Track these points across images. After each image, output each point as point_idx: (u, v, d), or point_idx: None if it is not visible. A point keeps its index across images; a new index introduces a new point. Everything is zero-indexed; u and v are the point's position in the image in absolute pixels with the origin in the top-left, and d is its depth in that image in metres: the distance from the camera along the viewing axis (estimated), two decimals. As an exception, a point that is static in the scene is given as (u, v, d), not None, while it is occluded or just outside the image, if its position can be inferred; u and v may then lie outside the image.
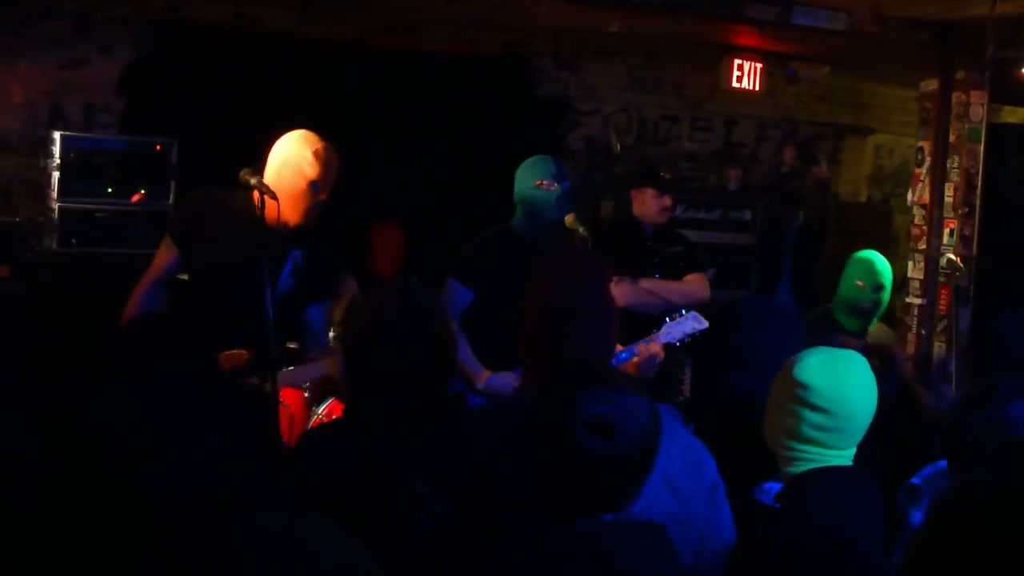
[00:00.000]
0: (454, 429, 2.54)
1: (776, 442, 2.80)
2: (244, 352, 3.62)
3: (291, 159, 3.92)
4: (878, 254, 5.25)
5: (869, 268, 5.01)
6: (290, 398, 5.25)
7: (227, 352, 3.56)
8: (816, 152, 8.05)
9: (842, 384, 2.71)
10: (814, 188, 7.80)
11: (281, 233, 3.90)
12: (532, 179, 4.50)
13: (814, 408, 2.71)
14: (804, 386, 2.72)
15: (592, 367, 2.27)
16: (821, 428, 2.71)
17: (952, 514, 1.29)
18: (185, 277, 4.20)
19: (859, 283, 4.96)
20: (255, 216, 3.87)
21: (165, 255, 4.04)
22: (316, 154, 3.91)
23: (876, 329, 5.09)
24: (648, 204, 5.37)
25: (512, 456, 2.38)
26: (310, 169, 3.89)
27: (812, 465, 2.73)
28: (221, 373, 3.24)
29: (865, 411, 2.75)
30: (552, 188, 4.43)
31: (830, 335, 4.76)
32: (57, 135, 6.05)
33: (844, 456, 2.75)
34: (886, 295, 5.00)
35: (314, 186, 3.90)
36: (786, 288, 7.98)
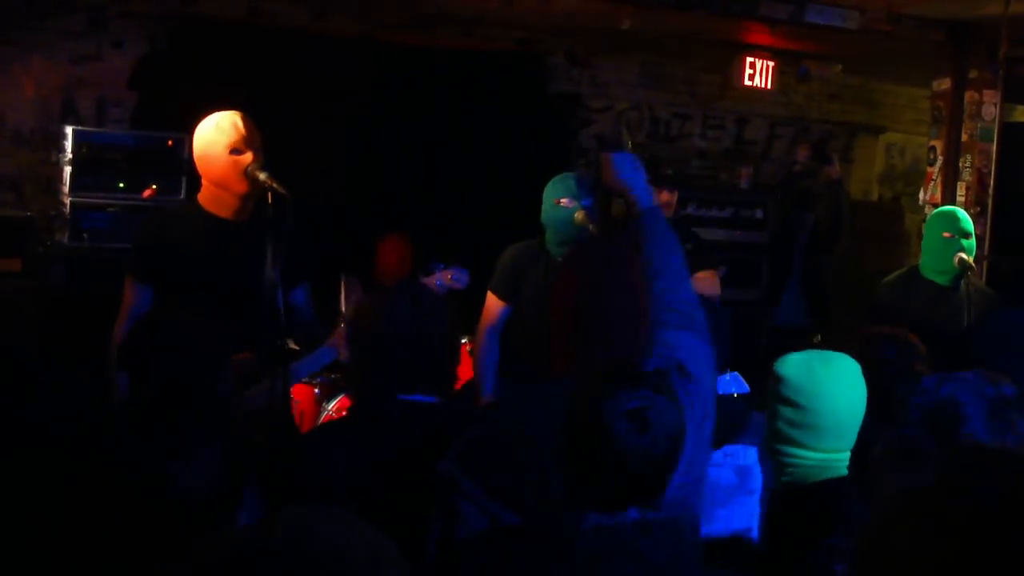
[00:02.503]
0: (495, 423, 2.54)
1: (769, 450, 2.75)
2: (247, 354, 3.59)
3: (204, 142, 3.86)
4: (953, 207, 5.25)
5: (951, 218, 4.96)
6: (300, 394, 5.27)
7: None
8: (829, 151, 8.05)
9: (816, 378, 2.66)
10: (827, 187, 7.79)
11: (248, 224, 3.86)
12: (551, 197, 4.49)
13: (787, 402, 2.67)
14: (780, 379, 2.69)
15: (623, 367, 2.27)
16: (792, 423, 2.66)
17: (891, 513, 1.34)
18: None
19: (946, 234, 4.90)
20: (214, 218, 3.84)
21: (134, 293, 3.85)
22: (222, 120, 3.85)
23: None
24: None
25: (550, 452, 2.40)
26: (223, 136, 3.82)
27: (798, 471, 2.67)
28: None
29: (842, 411, 2.66)
30: (571, 206, 4.41)
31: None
32: (69, 130, 6.07)
33: (830, 459, 2.67)
34: (972, 244, 4.94)
35: (235, 150, 3.82)
36: (796, 287, 7.97)
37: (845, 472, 2.70)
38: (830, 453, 2.67)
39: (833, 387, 2.66)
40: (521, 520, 2.31)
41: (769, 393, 2.73)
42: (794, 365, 2.71)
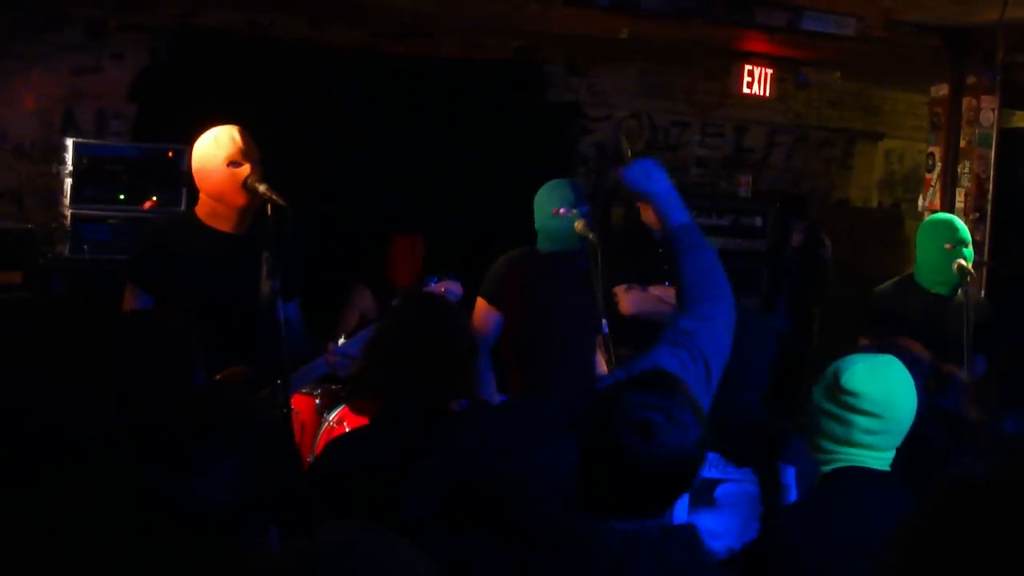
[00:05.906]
0: (446, 451, 2.54)
1: (817, 447, 2.88)
2: (241, 368, 3.59)
3: (202, 155, 3.88)
4: (947, 214, 5.31)
5: (950, 228, 4.94)
6: (301, 405, 5.27)
7: (225, 371, 3.53)
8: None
9: (890, 388, 2.80)
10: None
11: (247, 238, 3.87)
12: (548, 208, 4.44)
13: (865, 414, 2.78)
14: (854, 394, 2.79)
15: (653, 373, 2.29)
16: (871, 432, 2.79)
17: (941, 502, 1.34)
18: None
19: (947, 245, 4.88)
20: (213, 231, 3.85)
21: (135, 300, 3.89)
22: (220, 134, 3.87)
23: None
24: (649, 210, 5.39)
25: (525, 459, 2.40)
26: (221, 150, 3.84)
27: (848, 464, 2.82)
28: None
29: (911, 414, 2.84)
30: (569, 215, 4.39)
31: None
32: (70, 142, 6.07)
33: (885, 459, 2.84)
34: (971, 252, 4.93)
35: (233, 162, 3.83)
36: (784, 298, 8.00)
37: (887, 466, 2.86)
38: (889, 452, 2.85)
39: (903, 394, 2.83)
40: (473, 543, 2.32)
41: (835, 402, 2.81)
42: (865, 379, 2.81)
